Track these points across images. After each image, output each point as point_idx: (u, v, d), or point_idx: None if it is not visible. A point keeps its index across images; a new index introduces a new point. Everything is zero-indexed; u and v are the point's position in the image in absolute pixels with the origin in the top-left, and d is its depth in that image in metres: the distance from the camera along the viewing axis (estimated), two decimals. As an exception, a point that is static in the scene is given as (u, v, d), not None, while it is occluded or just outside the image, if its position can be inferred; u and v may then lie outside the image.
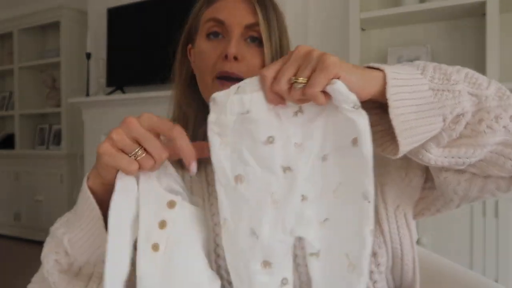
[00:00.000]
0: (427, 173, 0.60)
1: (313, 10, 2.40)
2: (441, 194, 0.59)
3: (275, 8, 0.66)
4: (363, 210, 0.45)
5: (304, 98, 0.43)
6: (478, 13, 1.98)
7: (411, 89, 0.45)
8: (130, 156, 0.46)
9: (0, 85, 4.21)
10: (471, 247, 1.83)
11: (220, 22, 0.64)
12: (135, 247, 0.47)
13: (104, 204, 0.50)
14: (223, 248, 0.49)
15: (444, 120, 0.45)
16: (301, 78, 0.42)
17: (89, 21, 3.13)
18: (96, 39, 3.06)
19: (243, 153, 0.46)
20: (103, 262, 0.47)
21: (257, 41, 0.64)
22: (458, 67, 0.50)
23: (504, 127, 0.46)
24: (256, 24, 0.63)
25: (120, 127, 0.46)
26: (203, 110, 0.66)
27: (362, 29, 2.21)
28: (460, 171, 0.52)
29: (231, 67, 0.61)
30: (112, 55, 2.95)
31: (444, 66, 0.49)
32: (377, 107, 0.49)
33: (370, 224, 0.45)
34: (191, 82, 0.72)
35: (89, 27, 3.10)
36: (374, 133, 0.46)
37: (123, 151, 0.46)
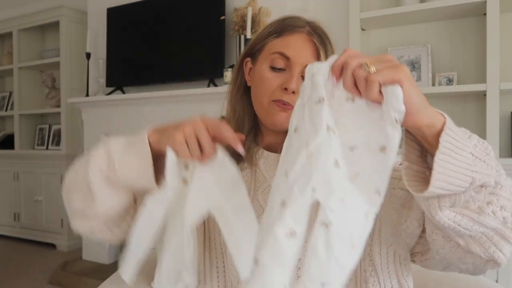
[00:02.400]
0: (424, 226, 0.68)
1: (313, 10, 2.39)
2: (428, 248, 0.67)
3: (331, 49, 0.76)
4: (373, 201, 0.51)
5: (361, 89, 0.49)
6: (478, 13, 1.98)
7: (458, 145, 0.51)
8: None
9: (0, 85, 4.21)
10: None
11: (286, 57, 0.75)
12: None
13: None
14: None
15: (471, 184, 0.51)
16: (372, 66, 0.48)
17: (89, 21, 3.13)
18: (96, 39, 3.06)
19: (304, 110, 0.54)
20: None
21: None
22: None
23: (504, 218, 0.54)
24: None
25: (190, 123, 0.59)
26: (254, 119, 0.82)
27: (362, 29, 2.21)
28: (448, 239, 0.59)
29: (288, 98, 0.74)
30: (112, 55, 2.95)
31: (485, 142, 0.55)
32: (419, 150, 0.55)
33: (375, 211, 0.51)
34: (245, 92, 0.83)
35: (88, 27, 3.10)
36: (409, 169, 0.54)
37: (187, 144, 0.59)
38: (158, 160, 0.63)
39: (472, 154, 0.51)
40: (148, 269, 1.00)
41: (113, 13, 2.95)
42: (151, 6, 2.79)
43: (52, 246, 3.46)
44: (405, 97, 0.47)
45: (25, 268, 2.98)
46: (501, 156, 1.89)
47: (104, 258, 2.93)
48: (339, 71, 0.51)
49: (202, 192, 0.62)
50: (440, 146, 0.49)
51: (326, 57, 0.74)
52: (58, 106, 3.54)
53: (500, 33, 1.84)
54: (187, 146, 0.59)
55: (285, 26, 0.77)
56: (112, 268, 2.77)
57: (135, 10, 2.86)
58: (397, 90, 0.47)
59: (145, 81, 2.82)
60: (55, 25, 3.54)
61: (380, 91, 0.48)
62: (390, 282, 0.73)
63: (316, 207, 0.52)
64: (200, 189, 0.62)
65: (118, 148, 0.65)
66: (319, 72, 0.54)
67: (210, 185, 0.62)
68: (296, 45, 0.75)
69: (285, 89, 0.73)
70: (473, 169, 0.51)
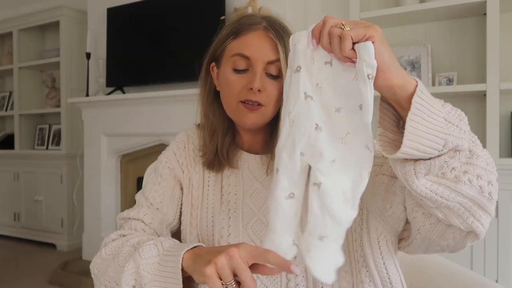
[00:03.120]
0: None
1: (313, 10, 2.40)
2: (411, 232, 0.69)
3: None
4: (365, 157, 0.54)
5: (335, 47, 0.52)
6: (478, 13, 1.98)
7: (430, 109, 0.52)
8: (223, 284, 0.57)
9: (0, 85, 4.21)
10: (471, 247, 1.83)
11: (246, 57, 0.75)
12: None
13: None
14: None
15: (444, 146, 0.52)
16: (347, 26, 0.51)
17: (89, 21, 3.13)
18: (96, 39, 3.06)
19: (290, 80, 0.58)
20: None
21: (275, 76, 0.75)
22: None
23: (480, 186, 0.55)
24: (277, 60, 0.74)
25: (224, 256, 0.56)
26: (228, 122, 0.83)
27: (362, 29, 2.21)
28: (428, 215, 0.61)
29: (254, 97, 0.74)
30: (112, 55, 2.95)
31: (459, 110, 0.56)
32: (395, 120, 0.57)
33: (368, 168, 0.54)
34: (215, 97, 0.84)
35: (89, 27, 3.10)
36: (383, 135, 0.56)
37: (220, 277, 0.57)
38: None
39: (445, 119, 0.52)
40: None
41: (113, 13, 2.95)
42: (151, 6, 2.79)
43: (52, 246, 3.46)
44: (377, 53, 0.50)
45: (25, 268, 2.98)
46: (501, 156, 1.89)
47: (104, 258, 2.93)
48: (319, 33, 0.54)
49: None
50: (412, 107, 0.50)
51: (285, 50, 0.74)
52: (58, 106, 3.54)
53: (500, 33, 1.84)
54: (220, 280, 0.57)
55: (241, 26, 0.78)
56: (112, 268, 2.77)
57: (135, 10, 2.86)
58: (369, 45, 0.50)
59: (145, 81, 2.82)
60: (55, 25, 3.54)
61: (354, 49, 0.51)
62: (384, 270, 0.73)
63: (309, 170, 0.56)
64: None
65: (148, 273, 0.66)
66: (300, 40, 0.56)
67: None
68: (253, 43, 0.75)
69: (251, 89, 0.74)
70: (445, 132, 0.52)
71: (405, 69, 2.11)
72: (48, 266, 2.98)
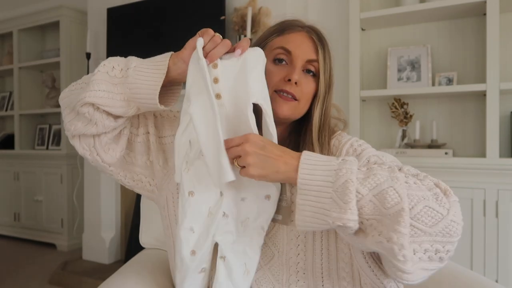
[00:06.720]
0: None
1: (313, 10, 2.40)
2: None
3: (329, 50, 0.83)
4: (260, 235, 0.76)
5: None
6: (478, 13, 1.98)
7: (316, 194, 0.61)
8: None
9: (0, 85, 4.21)
10: (471, 247, 1.83)
11: (287, 51, 0.80)
12: None
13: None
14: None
15: (331, 225, 0.60)
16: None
17: (89, 21, 3.13)
18: (96, 39, 3.06)
19: (199, 176, 0.73)
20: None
21: (312, 73, 0.82)
22: (398, 167, 0.68)
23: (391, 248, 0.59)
24: (315, 60, 0.81)
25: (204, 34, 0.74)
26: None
27: (362, 29, 2.21)
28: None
29: (291, 88, 0.79)
30: (112, 55, 2.93)
31: (376, 177, 0.62)
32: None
33: (261, 243, 0.77)
34: None
35: (89, 27, 3.10)
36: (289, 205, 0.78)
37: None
38: (169, 90, 0.78)
39: (332, 198, 0.60)
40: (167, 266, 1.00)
41: (113, 13, 2.95)
42: (151, 6, 2.79)
43: (52, 246, 3.47)
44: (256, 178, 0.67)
45: (25, 268, 2.98)
46: (501, 156, 1.89)
47: (104, 258, 2.93)
48: None
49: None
50: (297, 205, 0.63)
51: (324, 54, 0.81)
52: (58, 106, 3.54)
53: (500, 33, 1.84)
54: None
55: (285, 26, 0.84)
56: (112, 268, 2.77)
57: (135, 10, 2.86)
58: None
59: (145, 81, 2.82)
60: (55, 25, 3.54)
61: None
62: (368, 281, 0.73)
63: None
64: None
65: (138, 59, 0.77)
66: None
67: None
68: (296, 41, 0.81)
69: (289, 80, 0.78)
70: (326, 214, 0.60)
71: (405, 69, 2.11)
72: (48, 266, 2.98)
